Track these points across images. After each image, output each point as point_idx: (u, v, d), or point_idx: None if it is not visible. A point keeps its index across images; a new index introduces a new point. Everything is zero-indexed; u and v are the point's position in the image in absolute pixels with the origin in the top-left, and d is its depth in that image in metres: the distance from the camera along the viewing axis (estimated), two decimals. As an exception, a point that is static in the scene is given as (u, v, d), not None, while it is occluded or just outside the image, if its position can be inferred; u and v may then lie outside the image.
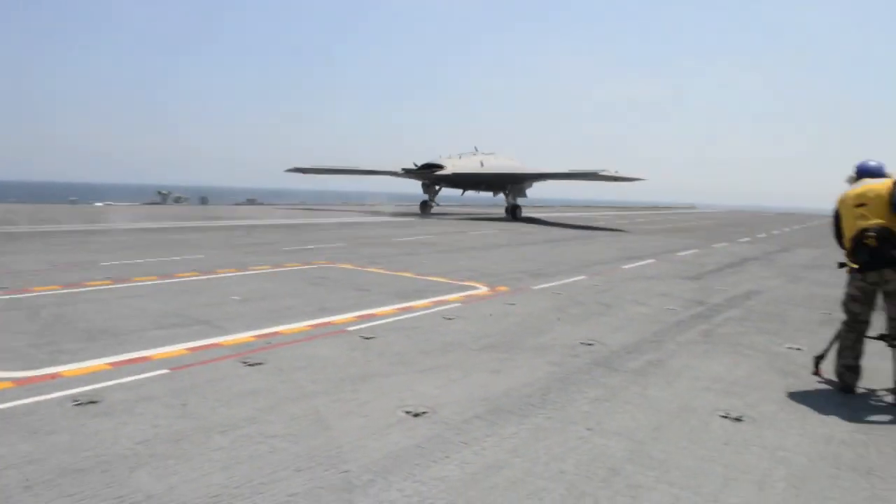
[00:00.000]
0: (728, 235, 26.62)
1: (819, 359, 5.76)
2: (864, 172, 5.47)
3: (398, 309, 7.91)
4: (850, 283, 5.31)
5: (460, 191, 39.99)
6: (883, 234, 4.96)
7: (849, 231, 5.27)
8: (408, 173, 37.29)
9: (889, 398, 5.12)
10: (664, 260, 15.35)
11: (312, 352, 5.88)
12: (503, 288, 9.90)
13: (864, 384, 5.40)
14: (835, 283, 10.72)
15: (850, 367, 5.27)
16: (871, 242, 4.99)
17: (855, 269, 5.20)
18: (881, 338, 5.38)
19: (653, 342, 6.72)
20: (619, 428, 4.27)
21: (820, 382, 5.53)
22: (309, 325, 6.89)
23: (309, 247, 14.96)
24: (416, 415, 4.37)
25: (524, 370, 5.52)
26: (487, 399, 4.77)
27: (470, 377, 5.29)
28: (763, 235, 27.65)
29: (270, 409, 4.40)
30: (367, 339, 6.41)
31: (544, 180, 39.68)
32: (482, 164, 37.37)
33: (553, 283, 10.55)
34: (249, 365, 5.39)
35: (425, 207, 37.44)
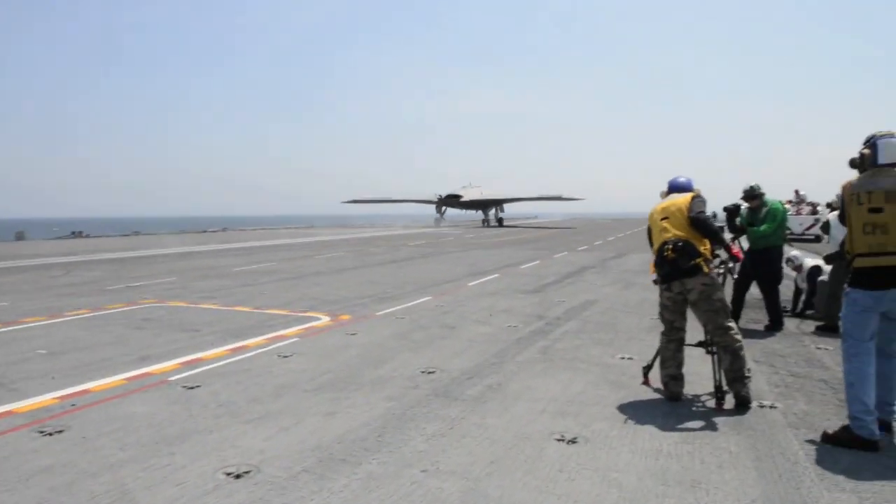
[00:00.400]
0: (568, 244, 27.87)
1: (647, 369, 5.96)
2: (673, 188, 5.74)
3: (229, 350, 7.38)
4: (661, 294, 5.54)
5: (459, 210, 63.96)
6: (680, 246, 5.21)
7: (655, 243, 5.51)
8: (440, 200, 60.72)
9: (711, 403, 5.36)
10: (508, 274, 15.68)
11: (126, 410, 5.29)
12: (345, 316, 9.59)
13: (689, 390, 5.64)
14: (661, 288, 11.40)
15: (673, 377, 5.47)
16: (670, 255, 5.23)
17: (659, 280, 5.44)
18: (700, 345, 5.66)
19: (493, 364, 6.70)
20: (455, 466, 4.11)
21: (650, 392, 5.71)
22: (125, 379, 6.24)
23: (137, 284, 13.86)
24: (238, 476, 3.98)
25: (361, 409, 5.26)
26: (319, 447, 4.46)
27: (302, 423, 4.95)
28: (600, 242, 29.22)
29: (67, 489, 3.84)
30: (190, 389, 5.88)
31: (521, 201, 64.40)
32: (482, 193, 60.51)
33: (398, 307, 10.39)
34: (47, 434, 4.73)
35: (438, 222, 61.61)
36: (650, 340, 7.57)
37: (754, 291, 9.11)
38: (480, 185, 61.48)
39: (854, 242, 4.59)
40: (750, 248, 8.45)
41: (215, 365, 6.72)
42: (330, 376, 6.26)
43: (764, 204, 8.48)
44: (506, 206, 64.05)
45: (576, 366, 6.64)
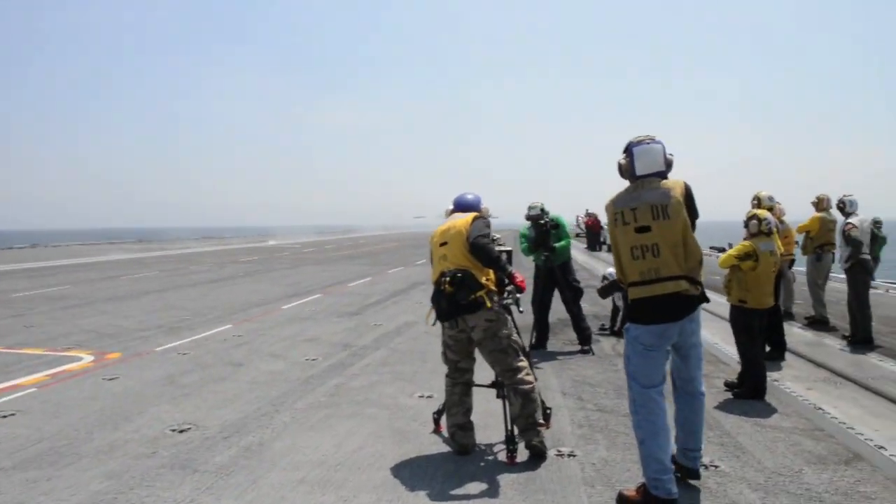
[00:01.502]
0: (406, 258, 27.21)
1: (438, 414, 5.14)
2: (458, 206, 4.95)
3: (-71, 411, 5.79)
4: (442, 332, 4.74)
5: None
6: (458, 277, 4.42)
7: (433, 274, 4.69)
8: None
9: (503, 456, 4.60)
10: (332, 293, 14.61)
11: None
12: (115, 355, 8.11)
13: (486, 438, 4.88)
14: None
15: (461, 426, 4.67)
16: (447, 288, 4.43)
17: (437, 318, 4.65)
18: (492, 385, 4.89)
19: (266, 414, 5.62)
20: (142, 589, 3.02)
21: (439, 443, 4.87)
22: None
23: None
24: None
25: (59, 495, 4.00)
26: (-35, 567, 3.20)
27: (-38, 526, 3.65)
28: (439, 255, 28.75)
29: None
30: None
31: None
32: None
33: (186, 340, 9.02)
34: None
35: None
36: (456, 373, 6.81)
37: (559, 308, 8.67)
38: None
39: (625, 270, 3.95)
40: (553, 266, 7.97)
41: None
42: (45, 444, 4.91)
43: (551, 220, 8.06)
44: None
45: (364, 410, 5.71)
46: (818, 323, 9.97)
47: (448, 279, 4.42)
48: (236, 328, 9.99)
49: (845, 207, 9.01)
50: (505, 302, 4.65)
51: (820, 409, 5.76)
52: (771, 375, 6.84)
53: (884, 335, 9.12)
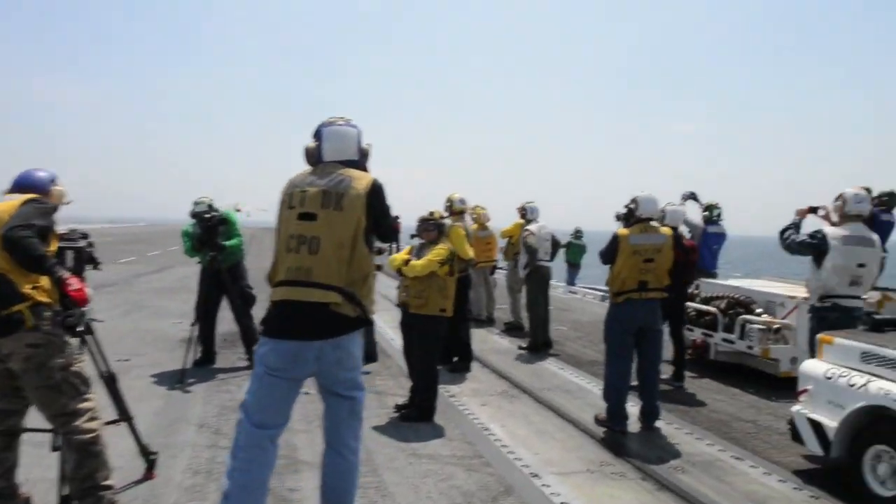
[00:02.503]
0: (112, 255, 24.09)
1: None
2: (15, 186, 3.56)
3: None
4: None
5: None
6: None
7: None
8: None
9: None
10: None
11: None
12: None
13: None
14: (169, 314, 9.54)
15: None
16: None
17: None
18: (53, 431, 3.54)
19: None
20: None
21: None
22: None
23: None
24: None
25: None
26: None
27: None
28: (157, 252, 25.93)
29: None
30: None
31: None
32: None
33: None
34: None
35: None
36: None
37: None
38: None
39: (277, 265, 3.08)
40: (220, 268, 6.76)
41: None
42: None
43: (219, 216, 6.87)
44: None
45: None
46: (515, 329, 9.96)
47: None
48: None
49: (526, 214, 9.00)
50: (66, 321, 3.39)
51: (487, 429, 5.29)
52: (451, 389, 6.38)
53: (571, 340, 9.29)
